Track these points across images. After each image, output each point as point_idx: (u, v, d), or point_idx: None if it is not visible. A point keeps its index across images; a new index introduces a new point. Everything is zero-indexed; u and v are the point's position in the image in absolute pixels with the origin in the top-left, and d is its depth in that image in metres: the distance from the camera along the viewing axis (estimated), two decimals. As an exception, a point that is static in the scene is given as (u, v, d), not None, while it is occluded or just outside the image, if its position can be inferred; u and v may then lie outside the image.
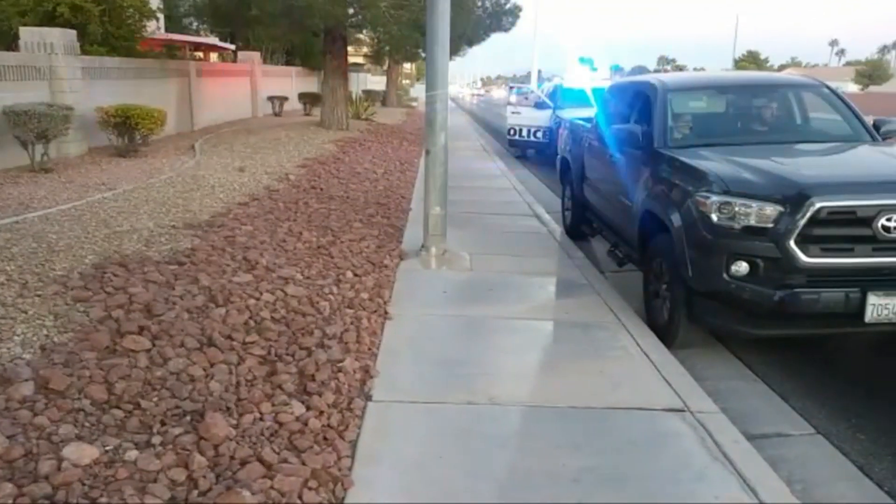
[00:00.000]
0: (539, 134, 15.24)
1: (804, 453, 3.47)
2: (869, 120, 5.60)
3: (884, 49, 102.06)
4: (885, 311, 3.90)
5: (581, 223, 7.74)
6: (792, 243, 3.92)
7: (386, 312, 4.77)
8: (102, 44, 13.32)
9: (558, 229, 8.10)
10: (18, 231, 5.85)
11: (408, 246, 6.60)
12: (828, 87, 5.91)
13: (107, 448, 2.75)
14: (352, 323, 4.40)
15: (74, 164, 10.15)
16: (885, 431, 3.68)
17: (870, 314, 3.90)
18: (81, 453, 2.67)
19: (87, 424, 2.93)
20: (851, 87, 57.39)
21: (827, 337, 4.77)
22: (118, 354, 3.56)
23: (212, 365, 3.56)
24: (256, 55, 22.90)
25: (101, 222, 6.39)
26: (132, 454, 2.72)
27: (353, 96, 23.77)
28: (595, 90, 14.72)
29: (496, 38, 20.24)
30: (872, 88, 50.46)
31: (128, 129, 11.10)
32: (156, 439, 2.86)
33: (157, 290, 4.51)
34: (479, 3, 16.88)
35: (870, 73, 66.60)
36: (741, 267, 4.10)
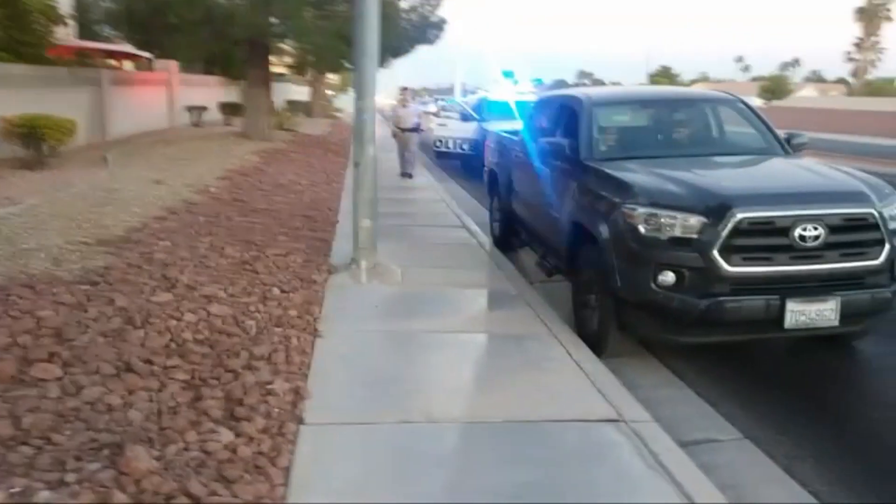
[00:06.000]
0: (465, 146, 15.34)
1: (734, 458, 3.56)
2: (781, 133, 5.87)
3: (785, 66, 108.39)
4: (803, 318, 4.08)
5: (509, 235, 7.79)
6: (715, 253, 4.05)
7: (316, 330, 4.63)
8: (6, 50, 12.54)
9: (487, 241, 8.13)
10: None
11: (337, 260, 6.46)
12: (743, 102, 6.17)
13: (13, 490, 2.51)
14: (280, 342, 4.24)
15: (-26, 177, 9.47)
16: (807, 434, 3.83)
17: (789, 321, 4.07)
18: (-17, 497, 2.44)
19: (-11, 464, 2.68)
20: (756, 102, 60.59)
21: (750, 342, 4.94)
22: (26, 384, 3.29)
23: (130, 393, 3.34)
24: (174, 64, 22.07)
25: (4, 239, 5.96)
26: (44, 495, 2.50)
27: (277, 107, 23.32)
28: (519, 103, 14.99)
29: (420, 51, 20.29)
30: (775, 103, 53.37)
31: (35, 140, 10.47)
32: (70, 477, 2.63)
33: (69, 312, 4.22)
34: (405, 16, 16.87)
35: (773, 88, 70.45)
36: (668, 277, 4.20)
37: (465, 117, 16.00)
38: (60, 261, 5.41)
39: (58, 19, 14.50)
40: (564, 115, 6.31)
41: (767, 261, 4.11)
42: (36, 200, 7.91)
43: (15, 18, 12.77)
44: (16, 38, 12.88)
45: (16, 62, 12.49)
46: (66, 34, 16.86)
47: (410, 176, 13.65)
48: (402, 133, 13.68)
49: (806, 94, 63.32)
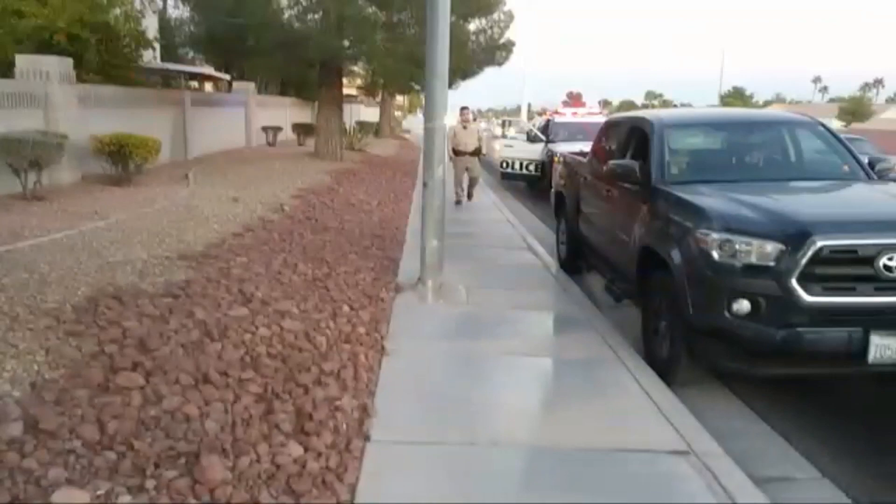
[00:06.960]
0: (531, 167, 15.31)
1: (812, 499, 3.41)
2: (864, 158, 5.65)
3: (865, 87, 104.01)
4: (888, 352, 3.87)
5: (576, 257, 7.72)
6: (794, 282, 3.91)
7: (383, 348, 4.70)
8: (98, 72, 13.34)
9: (553, 263, 8.08)
10: (9, 261, 5.75)
11: (404, 278, 6.55)
12: (822, 125, 5.97)
13: (98, 493, 2.65)
14: (349, 359, 4.32)
15: (67, 192, 10.07)
16: (890, 473, 3.63)
17: (873, 354, 3.86)
18: (72, 498, 2.58)
19: (77, 467, 2.83)
20: (835, 124, 58.14)
21: (829, 375, 4.74)
22: (111, 392, 3.47)
23: (207, 403, 3.47)
24: (251, 85, 23.02)
25: (94, 252, 6.31)
26: (125, 499, 2.63)
27: (347, 127, 23.92)
28: (586, 125, 14.89)
29: (488, 72, 20.50)
30: (855, 125, 51.20)
31: (122, 158, 11.06)
32: (149, 483, 2.76)
33: (152, 324, 4.42)
34: (474, 38, 17.09)
35: (853, 110, 67.61)
36: (742, 305, 4.07)
37: (532, 139, 15.97)
38: (145, 274, 5.68)
39: (146, 44, 15.33)
40: (635, 138, 6.24)
41: (850, 291, 3.93)
42: (122, 216, 8.34)
43: (107, 43, 13.57)
44: (107, 62, 13.67)
45: (106, 83, 13.25)
46: (151, 57, 17.80)
47: (470, 197, 12.85)
48: (460, 157, 12.17)
49: (890, 116, 60.45)
